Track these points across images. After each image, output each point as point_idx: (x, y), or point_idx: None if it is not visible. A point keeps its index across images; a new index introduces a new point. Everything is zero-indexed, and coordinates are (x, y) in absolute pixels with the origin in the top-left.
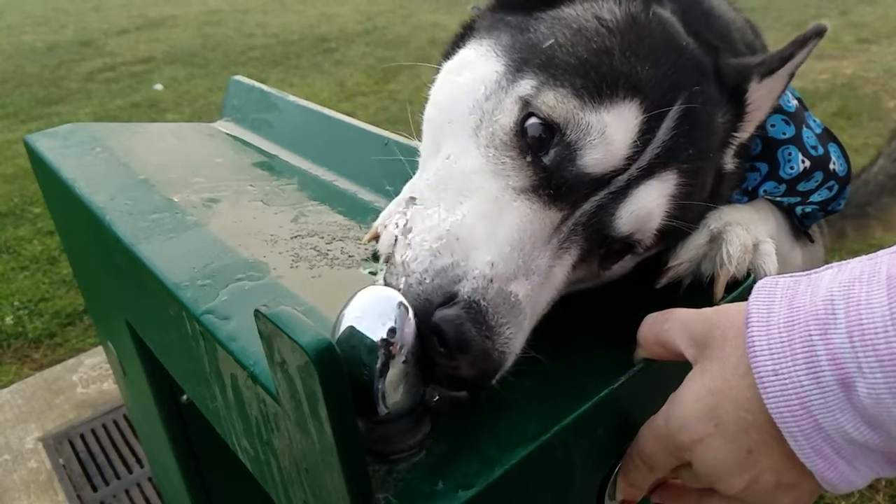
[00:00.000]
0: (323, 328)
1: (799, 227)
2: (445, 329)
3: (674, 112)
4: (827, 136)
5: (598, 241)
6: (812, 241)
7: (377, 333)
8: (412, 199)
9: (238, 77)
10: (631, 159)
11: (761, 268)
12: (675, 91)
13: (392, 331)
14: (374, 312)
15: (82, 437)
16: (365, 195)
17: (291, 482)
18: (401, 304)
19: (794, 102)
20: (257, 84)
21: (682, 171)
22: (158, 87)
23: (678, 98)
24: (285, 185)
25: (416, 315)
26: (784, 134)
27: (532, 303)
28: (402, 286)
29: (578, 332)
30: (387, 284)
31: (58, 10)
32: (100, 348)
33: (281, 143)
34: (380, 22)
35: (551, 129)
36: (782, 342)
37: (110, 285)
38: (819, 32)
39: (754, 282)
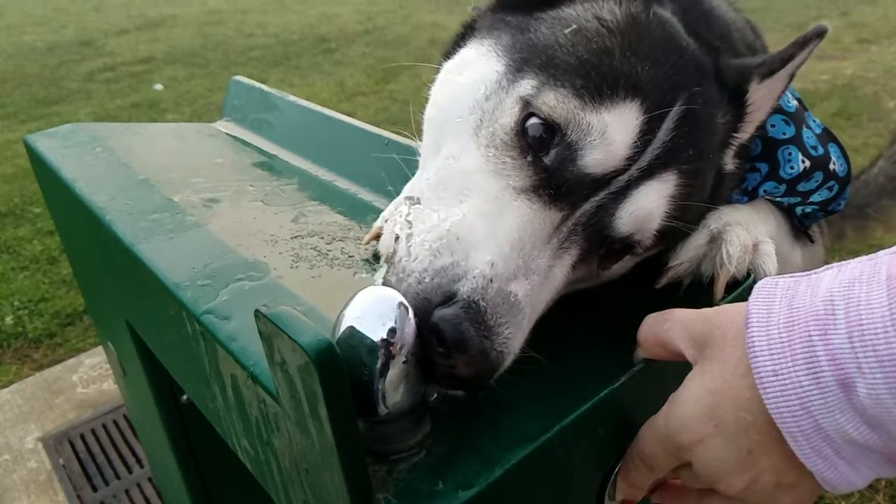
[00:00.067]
0: (323, 328)
1: (799, 228)
2: (444, 328)
3: (674, 113)
4: (827, 136)
5: (598, 242)
6: (812, 242)
7: (377, 333)
8: (412, 198)
9: (238, 77)
10: (631, 160)
11: (761, 268)
12: (675, 92)
13: (392, 331)
14: (374, 312)
15: (82, 437)
16: (365, 195)
17: (291, 482)
18: (401, 304)
19: (794, 103)
20: (257, 84)
21: (682, 172)
22: (158, 87)
23: (678, 99)
24: (285, 185)
25: (415, 314)
26: (784, 134)
27: (531, 303)
28: (401, 285)
29: (578, 332)
30: (386, 283)
31: (58, 10)
32: (100, 348)
33: (281, 143)
34: (380, 22)
35: (552, 129)
36: (782, 342)
37: (110, 285)
38: (820, 34)
39: (754, 282)
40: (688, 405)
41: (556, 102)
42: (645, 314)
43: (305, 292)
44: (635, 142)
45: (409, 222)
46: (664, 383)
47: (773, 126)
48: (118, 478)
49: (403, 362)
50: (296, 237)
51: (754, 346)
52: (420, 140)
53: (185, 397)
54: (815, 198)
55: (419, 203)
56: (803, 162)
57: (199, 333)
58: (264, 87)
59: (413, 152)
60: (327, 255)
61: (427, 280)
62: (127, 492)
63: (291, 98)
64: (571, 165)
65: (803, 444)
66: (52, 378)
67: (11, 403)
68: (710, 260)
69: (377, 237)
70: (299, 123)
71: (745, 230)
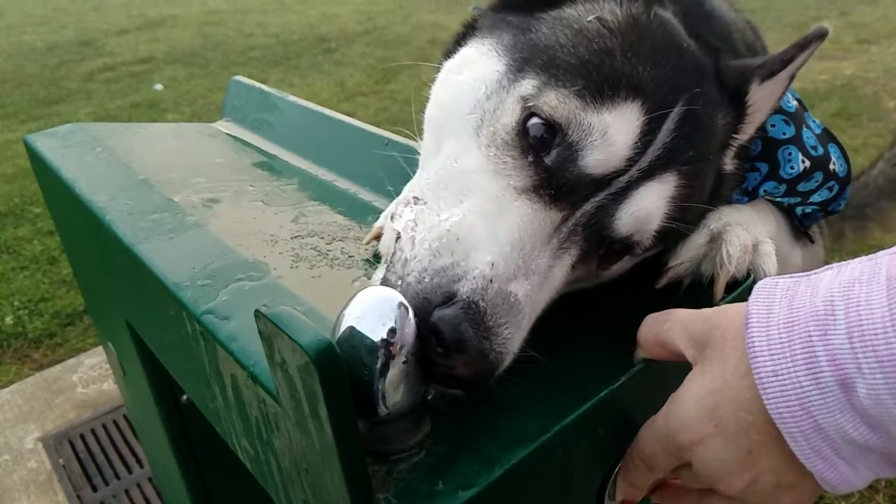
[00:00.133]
0: (323, 328)
1: (799, 228)
2: (443, 329)
3: (675, 114)
4: (827, 136)
5: (598, 242)
6: (812, 242)
7: (377, 334)
8: (413, 198)
9: (238, 77)
10: (632, 160)
11: (761, 268)
12: (676, 93)
13: (392, 331)
14: (374, 313)
15: (82, 437)
16: (365, 195)
17: (291, 482)
18: (401, 304)
19: (794, 103)
20: (257, 84)
21: (683, 173)
22: (158, 87)
23: (679, 100)
24: (285, 185)
25: (414, 314)
26: (784, 134)
27: (531, 303)
28: (401, 285)
29: (578, 332)
30: (385, 283)
31: (58, 10)
32: (100, 348)
33: (281, 143)
34: (380, 22)
35: (553, 129)
36: (782, 343)
37: (110, 285)
38: (821, 35)
39: (754, 282)
40: (688, 405)
41: (557, 102)
42: (645, 314)
43: (305, 292)
44: (636, 142)
45: (409, 222)
46: (664, 383)
47: (773, 126)
48: (118, 478)
49: (403, 362)
50: (296, 237)
51: (754, 347)
52: (420, 139)
53: (185, 397)
54: (815, 198)
55: (419, 203)
56: (803, 162)
57: (199, 333)
58: (264, 87)
59: (413, 152)
60: (327, 255)
61: (427, 280)
62: (127, 492)
63: (291, 98)
64: (572, 166)
65: (803, 444)
66: (52, 378)
67: (11, 403)
68: (710, 260)
69: (378, 237)
70: (299, 123)
71: (745, 230)
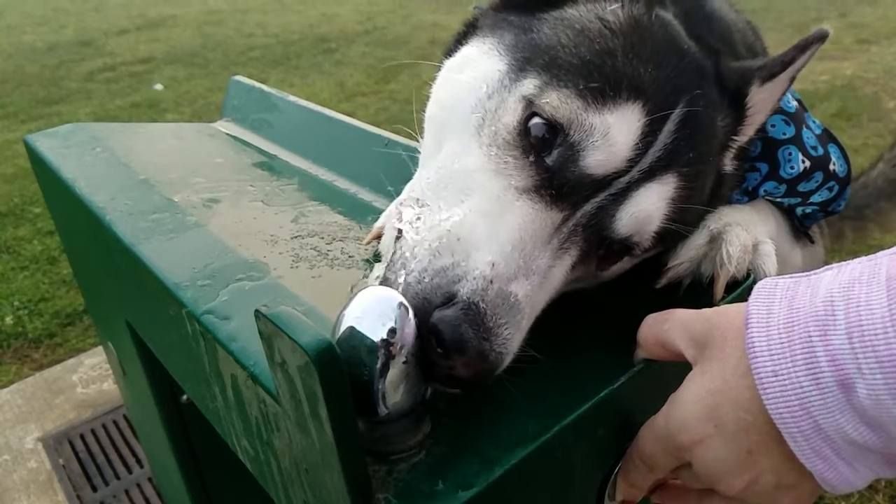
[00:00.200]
0: (323, 328)
1: (799, 228)
2: (443, 330)
3: (676, 115)
4: (827, 136)
5: (598, 243)
6: (812, 242)
7: (377, 334)
8: (413, 197)
9: (238, 77)
10: (632, 161)
11: (761, 268)
12: (677, 94)
13: (392, 331)
14: (374, 313)
15: (82, 437)
16: (365, 195)
17: (291, 482)
18: (401, 304)
19: (794, 103)
20: (257, 84)
21: (683, 175)
22: (158, 87)
23: (680, 101)
24: (285, 185)
25: (414, 314)
26: (784, 134)
27: (531, 303)
28: (401, 285)
29: (578, 332)
30: (385, 282)
31: (58, 10)
32: (100, 348)
33: (281, 143)
34: (380, 22)
35: (554, 129)
36: (782, 343)
37: (110, 285)
38: (821, 37)
39: (754, 282)
40: (688, 405)
41: (559, 102)
42: (645, 314)
43: (305, 292)
44: (637, 143)
45: (409, 221)
46: (664, 383)
47: (773, 126)
48: (118, 478)
49: (403, 362)
50: (296, 237)
51: (754, 347)
52: (421, 137)
53: (185, 397)
54: (816, 198)
55: (420, 202)
56: (803, 162)
57: (199, 333)
58: (264, 87)
59: (414, 151)
60: (327, 255)
61: (426, 280)
62: (127, 492)
63: (291, 98)
64: (573, 166)
65: (803, 444)
66: (52, 378)
67: (11, 403)
68: (710, 260)
69: (378, 237)
70: (299, 123)
71: (745, 230)
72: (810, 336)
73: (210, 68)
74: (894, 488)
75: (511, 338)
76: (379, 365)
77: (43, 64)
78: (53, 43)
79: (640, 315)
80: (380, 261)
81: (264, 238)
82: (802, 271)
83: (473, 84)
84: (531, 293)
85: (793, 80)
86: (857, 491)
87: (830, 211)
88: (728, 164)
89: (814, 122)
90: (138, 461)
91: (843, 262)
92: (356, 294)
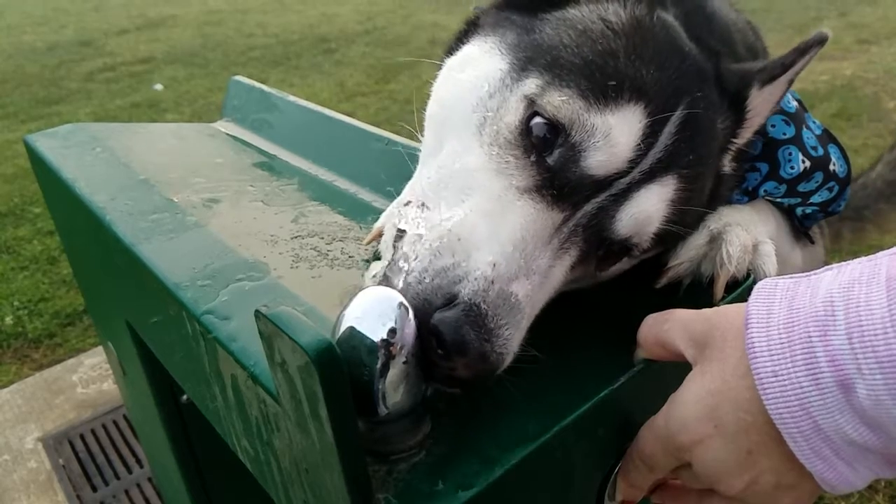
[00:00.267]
0: (323, 328)
1: (799, 229)
2: (444, 331)
3: (676, 117)
4: (827, 137)
5: (597, 243)
6: (812, 243)
7: (377, 334)
8: (413, 197)
9: (238, 77)
10: (633, 162)
11: (761, 268)
12: (678, 96)
13: (392, 331)
14: (374, 313)
15: (82, 437)
16: (365, 195)
17: (291, 482)
18: (401, 304)
19: (794, 103)
20: (257, 84)
21: (683, 177)
22: (158, 87)
23: (681, 103)
24: (285, 185)
25: (415, 315)
26: (784, 134)
27: (531, 303)
28: (401, 284)
29: (578, 332)
30: (385, 282)
31: (58, 10)
32: (100, 348)
33: (281, 143)
34: (380, 22)
35: (556, 129)
36: (782, 343)
37: (110, 285)
38: (820, 41)
39: (754, 282)
40: (688, 406)
41: (560, 102)
42: (645, 314)
43: (305, 292)
44: (638, 144)
45: (410, 221)
46: (664, 383)
47: (773, 126)
48: (118, 478)
49: (403, 363)
50: (296, 237)
51: (754, 347)
52: (421, 136)
53: (185, 397)
54: (816, 199)
55: (420, 202)
56: (803, 162)
57: (199, 333)
58: (264, 87)
59: (415, 151)
60: (327, 255)
61: (427, 280)
62: (127, 492)
63: (291, 98)
64: (574, 166)
65: (803, 444)
66: (51, 378)
67: (11, 403)
68: (710, 260)
69: (378, 237)
70: (299, 123)
71: (745, 230)
72: (810, 336)
73: (210, 68)
74: (894, 488)
75: (511, 338)
76: (379, 365)
77: (43, 64)
78: (53, 43)
79: (640, 315)
80: (378, 259)
81: (264, 238)
82: (802, 271)
83: (475, 83)
84: (531, 293)
85: (791, 82)
86: (856, 491)
87: (830, 211)
88: (726, 166)
89: (814, 122)
90: (138, 461)
91: (842, 263)
92: (356, 294)
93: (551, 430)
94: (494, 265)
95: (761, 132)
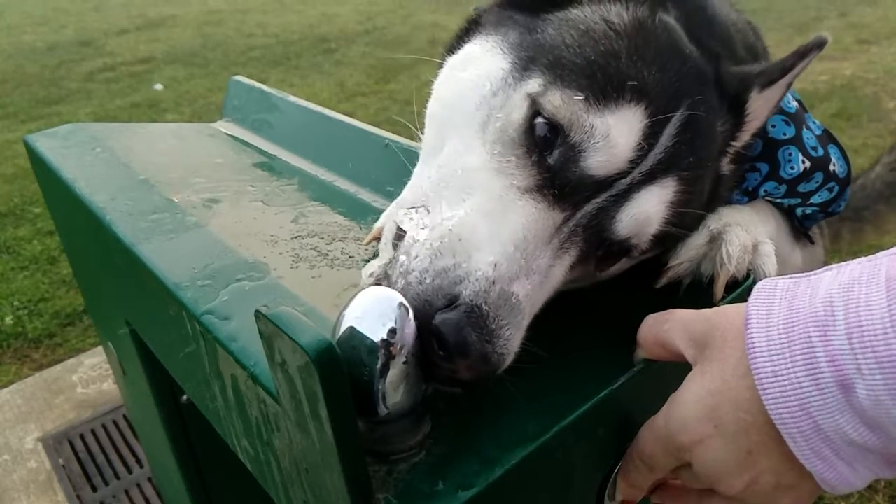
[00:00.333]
0: (323, 329)
1: (799, 229)
2: (445, 333)
3: (677, 119)
4: (827, 137)
5: (597, 243)
6: (812, 243)
7: (377, 334)
8: (414, 196)
9: (238, 77)
10: (633, 163)
11: (761, 269)
12: (678, 98)
13: (392, 331)
14: (374, 313)
15: (82, 437)
16: (365, 195)
17: (291, 482)
18: (401, 304)
19: (794, 104)
20: (257, 84)
21: (682, 179)
22: (158, 87)
23: (681, 105)
24: (285, 185)
25: (415, 316)
26: (784, 134)
27: (531, 302)
28: (401, 285)
29: (578, 332)
30: (385, 282)
31: (58, 10)
32: (100, 348)
33: (281, 143)
34: (380, 22)
35: (556, 129)
36: (781, 343)
37: (110, 285)
38: (820, 45)
39: (754, 282)
40: (688, 406)
41: (561, 102)
42: (645, 314)
43: (305, 293)
44: (638, 145)
45: (410, 221)
46: (664, 383)
47: (773, 126)
48: (118, 478)
49: (403, 363)
50: (296, 237)
51: (754, 347)
52: (422, 134)
53: (185, 397)
54: (816, 199)
55: (421, 201)
56: (803, 162)
57: (199, 333)
58: (264, 87)
59: (413, 153)
60: (327, 255)
61: (428, 281)
62: (127, 492)
63: (291, 98)
64: (575, 166)
65: (802, 445)
66: (51, 378)
67: (11, 403)
68: (709, 260)
69: (378, 238)
70: (299, 123)
71: (745, 231)
72: (810, 336)
73: (210, 68)
74: (894, 488)
75: (512, 338)
76: (379, 365)
77: (43, 64)
78: (53, 43)
79: (640, 315)
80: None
81: (264, 238)
82: (802, 272)
83: (477, 82)
84: (531, 293)
85: (790, 85)
86: (856, 491)
87: (830, 212)
88: (725, 168)
89: (814, 122)
90: (138, 461)
91: (842, 263)
92: (356, 294)
93: (551, 430)
94: (496, 265)
95: (761, 133)
